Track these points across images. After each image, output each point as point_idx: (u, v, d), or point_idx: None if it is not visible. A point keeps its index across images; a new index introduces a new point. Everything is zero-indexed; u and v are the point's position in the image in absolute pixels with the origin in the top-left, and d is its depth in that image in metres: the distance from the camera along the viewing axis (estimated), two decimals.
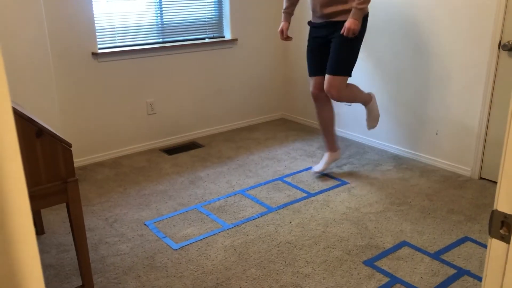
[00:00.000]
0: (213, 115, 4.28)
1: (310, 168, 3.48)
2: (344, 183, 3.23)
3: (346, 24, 2.81)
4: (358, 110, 3.99)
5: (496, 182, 3.11)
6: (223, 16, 4.15)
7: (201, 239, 2.56)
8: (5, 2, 2.88)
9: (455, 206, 2.90)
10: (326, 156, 3.33)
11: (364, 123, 3.84)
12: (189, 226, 2.69)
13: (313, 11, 3.03)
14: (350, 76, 3.03)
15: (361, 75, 3.89)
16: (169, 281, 2.21)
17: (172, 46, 3.83)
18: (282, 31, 3.18)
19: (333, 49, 2.97)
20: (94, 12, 3.40)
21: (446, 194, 3.05)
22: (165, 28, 3.83)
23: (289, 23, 3.20)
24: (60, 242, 2.55)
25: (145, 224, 2.72)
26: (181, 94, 4.00)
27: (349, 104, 3.89)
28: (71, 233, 2.60)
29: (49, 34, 3.18)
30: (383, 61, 3.69)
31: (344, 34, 2.83)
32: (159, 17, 3.78)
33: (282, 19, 3.20)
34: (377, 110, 3.32)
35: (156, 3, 3.74)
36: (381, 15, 3.61)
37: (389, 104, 3.73)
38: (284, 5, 3.20)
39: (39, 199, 1.85)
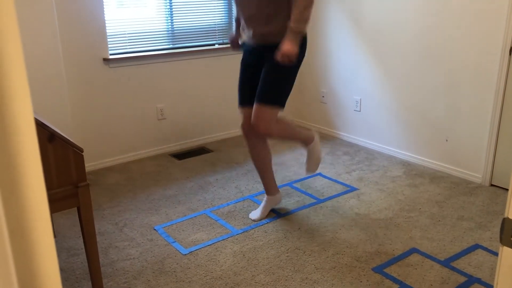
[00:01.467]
0: (222, 120, 4.29)
1: (319, 174, 3.48)
2: (353, 189, 3.22)
3: (282, 48, 2.36)
4: (366, 115, 3.99)
5: (507, 189, 3.08)
6: (233, 22, 4.17)
7: (210, 244, 2.56)
8: (18, 8, 2.92)
9: (465, 213, 2.88)
10: (264, 201, 2.89)
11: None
12: (198, 231, 2.70)
13: (244, 29, 2.63)
14: (283, 108, 2.59)
15: (370, 81, 3.89)
16: (178, 286, 2.22)
17: (182, 52, 3.86)
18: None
19: (264, 74, 2.55)
20: (105, 19, 3.44)
21: (456, 201, 3.03)
22: (175, 34, 3.86)
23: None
24: (70, 246, 2.57)
25: (155, 229, 2.73)
26: (191, 100, 4.03)
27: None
28: (81, 237, 2.63)
29: (61, 40, 3.22)
30: (392, 66, 3.69)
31: (279, 59, 2.38)
32: (170, 23, 3.81)
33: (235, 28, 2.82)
34: (319, 153, 2.87)
35: (167, 10, 3.77)
36: (391, 21, 3.61)
37: (398, 110, 3.73)
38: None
39: (51, 204, 1.87)
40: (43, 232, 0.44)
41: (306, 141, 2.82)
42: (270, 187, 2.87)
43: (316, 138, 2.86)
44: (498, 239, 2.54)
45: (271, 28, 2.47)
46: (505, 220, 0.78)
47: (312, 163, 2.89)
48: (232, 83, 4.25)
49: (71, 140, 1.90)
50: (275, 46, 2.44)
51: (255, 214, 2.86)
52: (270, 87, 2.53)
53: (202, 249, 2.52)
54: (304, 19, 2.38)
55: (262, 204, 2.88)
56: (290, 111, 4.74)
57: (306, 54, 2.61)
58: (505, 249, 0.79)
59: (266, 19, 2.47)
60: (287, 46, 2.35)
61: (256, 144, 2.74)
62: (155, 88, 3.80)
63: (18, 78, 0.39)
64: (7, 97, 0.38)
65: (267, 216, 2.85)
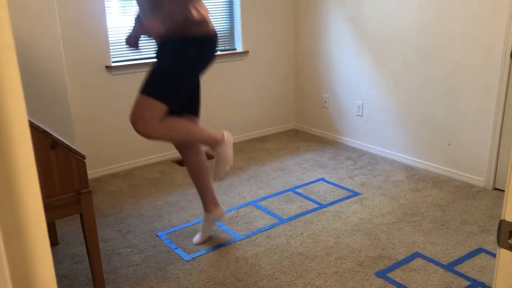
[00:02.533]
0: (225, 126, 4.30)
1: (322, 179, 3.48)
2: (356, 194, 3.22)
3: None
4: (369, 120, 3.99)
5: None
6: (235, 28, 4.19)
7: (213, 250, 2.56)
8: (21, 15, 2.95)
9: (468, 217, 2.87)
10: (203, 221, 2.67)
11: None
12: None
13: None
14: (167, 105, 2.22)
15: (372, 86, 3.89)
16: None
17: None
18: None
19: (153, 64, 2.32)
20: (108, 26, 3.46)
21: (459, 205, 3.02)
22: None
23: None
24: (73, 253, 2.58)
25: (157, 235, 2.74)
26: None
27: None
28: (84, 244, 2.63)
29: (64, 48, 3.25)
30: (394, 71, 3.69)
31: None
32: None
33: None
34: (229, 156, 2.49)
35: None
36: (392, 26, 3.62)
37: (401, 115, 3.73)
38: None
39: (54, 210, 1.88)
40: (38, 237, 0.45)
41: (211, 143, 2.44)
42: (208, 202, 2.60)
43: (227, 139, 2.49)
44: None
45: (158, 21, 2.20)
46: (501, 222, 0.78)
47: (220, 168, 2.51)
48: (235, 89, 4.26)
49: (74, 147, 1.91)
50: (170, 41, 2.26)
51: (196, 238, 2.65)
52: (153, 77, 2.25)
53: (204, 255, 2.52)
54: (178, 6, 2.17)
55: (203, 226, 2.66)
56: (293, 117, 4.75)
57: (211, 59, 2.40)
58: (503, 251, 0.79)
59: (153, 11, 2.23)
60: (150, 22, 2.17)
61: (186, 150, 2.49)
62: None
63: (12, 85, 0.40)
64: (1, 104, 0.39)
65: (269, 222, 2.85)
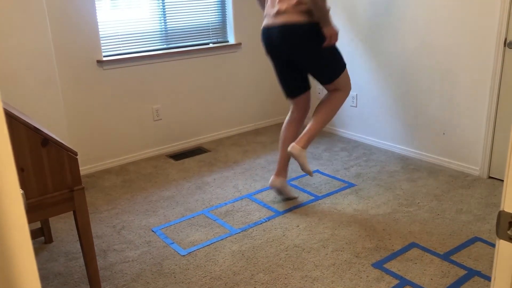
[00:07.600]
0: (219, 120, 4.28)
1: (317, 171, 3.47)
2: (351, 185, 3.21)
3: None
4: (363, 111, 3.97)
5: None
6: (227, 21, 4.16)
7: (209, 245, 2.55)
8: (9, 11, 2.90)
9: (464, 206, 2.87)
10: (283, 188, 3.04)
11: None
12: (197, 232, 2.69)
13: None
14: (344, 68, 2.91)
15: (366, 77, 3.88)
16: (178, 287, 2.20)
17: (176, 52, 3.84)
18: None
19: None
20: (98, 20, 3.42)
21: (454, 194, 3.03)
22: (169, 34, 3.84)
23: None
24: (68, 250, 2.56)
25: (153, 231, 2.72)
26: (187, 100, 4.01)
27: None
28: (79, 241, 2.61)
29: (54, 43, 3.20)
30: (388, 61, 3.68)
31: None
32: (163, 24, 3.79)
33: None
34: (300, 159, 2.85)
35: (160, 10, 3.75)
36: (386, 14, 3.60)
37: (395, 105, 3.72)
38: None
39: (46, 208, 1.86)
40: (20, 239, 0.43)
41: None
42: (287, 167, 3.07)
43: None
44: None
45: None
46: (501, 213, 0.77)
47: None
48: (228, 82, 4.23)
49: (66, 143, 1.88)
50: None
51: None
52: (327, 66, 2.89)
53: (200, 249, 2.51)
54: None
55: (284, 190, 3.02)
56: (286, 109, 4.72)
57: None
58: (502, 242, 0.78)
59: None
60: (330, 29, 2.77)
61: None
62: (150, 89, 3.78)
63: None
64: None
65: (265, 215, 2.84)
